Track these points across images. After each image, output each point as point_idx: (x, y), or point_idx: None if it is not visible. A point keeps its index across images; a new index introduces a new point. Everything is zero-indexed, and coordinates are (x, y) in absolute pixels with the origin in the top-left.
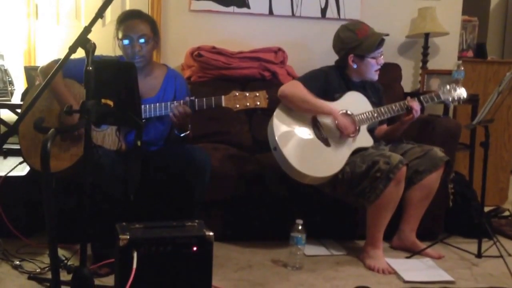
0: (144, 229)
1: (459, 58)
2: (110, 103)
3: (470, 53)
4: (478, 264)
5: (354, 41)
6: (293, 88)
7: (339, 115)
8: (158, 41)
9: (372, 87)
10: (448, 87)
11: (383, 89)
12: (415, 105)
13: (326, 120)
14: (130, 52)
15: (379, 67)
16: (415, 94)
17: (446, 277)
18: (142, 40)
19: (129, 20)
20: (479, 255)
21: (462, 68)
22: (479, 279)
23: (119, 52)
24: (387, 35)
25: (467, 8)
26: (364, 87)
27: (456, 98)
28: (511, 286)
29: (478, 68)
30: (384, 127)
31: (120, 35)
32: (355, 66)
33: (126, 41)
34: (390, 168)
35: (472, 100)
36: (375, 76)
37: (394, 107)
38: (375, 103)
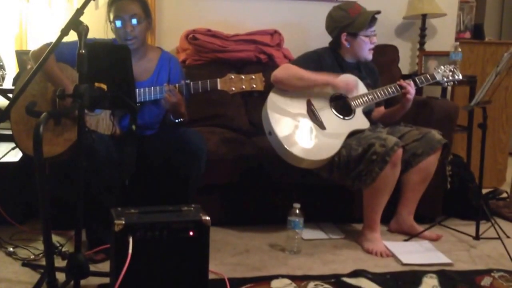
0: (139, 214)
1: (456, 39)
2: (104, 86)
3: (467, 34)
4: (476, 246)
5: (347, 19)
6: (286, 70)
7: (335, 79)
8: (151, 22)
9: (367, 69)
10: (443, 68)
11: (378, 71)
12: (406, 83)
13: (321, 104)
14: (122, 33)
15: (372, 46)
16: (412, 76)
17: (444, 259)
18: (134, 21)
19: (119, 1)
20: (477, 237)
21: (460, 50)
22: (477, 261)
23: (112, 36)
24: (379, 12)
25: None
26: (359, 68)
27: (450, 79)
28: (509, 267)
29: (476, 49)
30: (382, 109)
31: (111, 17)
32: (348, 45)
33: (118, 22)
34: (386, 150)
35: (470, 81)
36: (369, 55)
37: (389, 89)
38: (370, 85)
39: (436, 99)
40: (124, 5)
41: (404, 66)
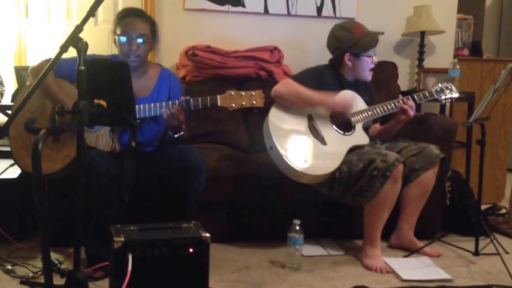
0: (139, 231)
1: (454, 56)
2: (103, 103)
3: (465, 52)
4: (475, 262)
5: (351, 40)
6: (286, 86)
7: (333, 100)
8: (156, 43)
9: (364, 86)
10: (440, 85)
11: (374, 89)
12: (410, 103)
13: (322, 119)
14: (126, 50)
15: (373, 66)
16: (411, 93)
17: (444, 275)
18: (140, 40)
19: (130, 17)
20: (476, 253)
21: (458, 67)
22: (476, 277)
23: (115, 50)
24: (382, 33)
25: (463, 6)
26: (357, 86)
27: (448, 96)
28: (508, 283)
29: (474, 66)
30: (377, 126)
31: (118, 31)
32: (350, 65)
33: (123, 38)
34: (387, 166)
35: (468, 98)
36: (368, 77)
37: (389, 105)
38: (368, 102)
39: (435, 116)
40: (135, 23)
41: (403, 82)
